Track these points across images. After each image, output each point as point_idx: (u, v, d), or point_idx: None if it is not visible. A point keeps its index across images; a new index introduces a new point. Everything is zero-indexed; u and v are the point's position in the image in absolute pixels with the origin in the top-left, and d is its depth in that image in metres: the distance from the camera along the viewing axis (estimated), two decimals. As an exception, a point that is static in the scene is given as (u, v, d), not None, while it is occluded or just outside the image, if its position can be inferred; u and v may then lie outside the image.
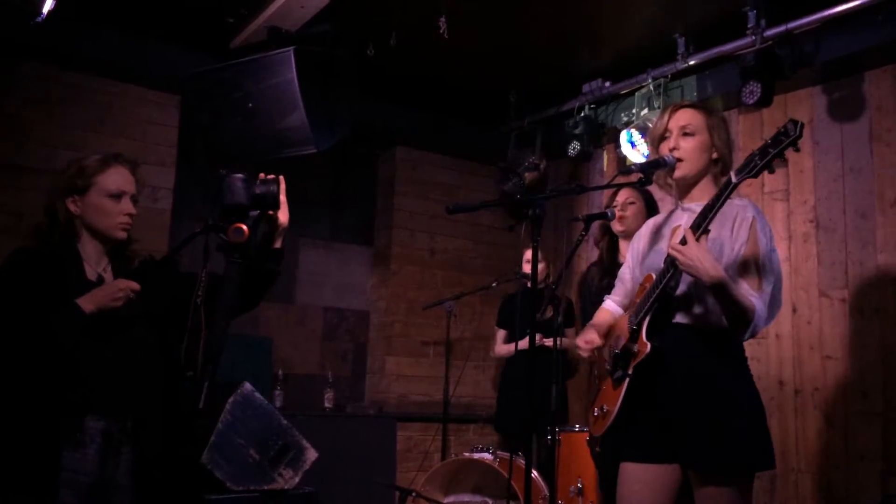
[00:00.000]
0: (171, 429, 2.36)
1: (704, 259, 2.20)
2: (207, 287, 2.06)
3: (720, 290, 2.23)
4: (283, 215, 2.28)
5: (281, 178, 2.17)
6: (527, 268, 4.76)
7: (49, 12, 3.65)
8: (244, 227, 1.91)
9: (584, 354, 2.57)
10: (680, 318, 2.37)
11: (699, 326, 2.35)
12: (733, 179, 2.21)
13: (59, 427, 2.23)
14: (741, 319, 2.26)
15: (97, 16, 4.36)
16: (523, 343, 4.62)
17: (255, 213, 2.00)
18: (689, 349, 2.34)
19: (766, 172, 2.23)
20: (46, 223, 2.40)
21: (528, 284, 4.66)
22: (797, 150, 2.14)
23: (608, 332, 2.57)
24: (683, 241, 2.24)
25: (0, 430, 2.25)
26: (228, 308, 1.87)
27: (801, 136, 2.10)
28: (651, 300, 2.35)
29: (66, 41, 4.38)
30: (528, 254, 4.78)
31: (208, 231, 1.98)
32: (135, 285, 2.28)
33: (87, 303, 2.23)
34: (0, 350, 2.26)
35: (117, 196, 2.40)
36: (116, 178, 2.41)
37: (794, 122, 2.11)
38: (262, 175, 2.13)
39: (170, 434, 2.36)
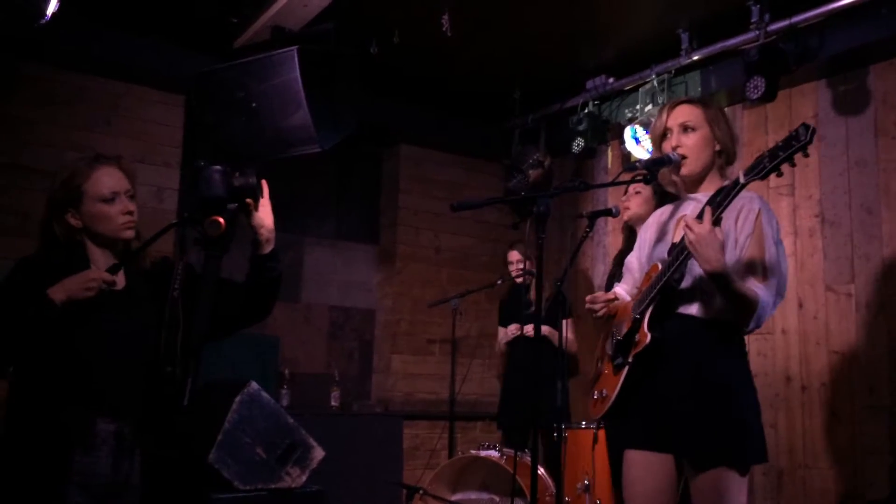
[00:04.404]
0: (160, 428, 2.31)
1: (711, 245, 2.19)
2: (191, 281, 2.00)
3: (720, 281, 2.24)
4: (267, 216, 2.18)
5: (263, 181, 2.08)
6: (510, 268, 5.03)
7: (53, 13, 3.66)
8: (220, 219, 1.83)
9: (598, 311, 2.56)
10: (683, 310, 2.39)
11: (701, 318, 2.37)
12: (741, 180, 2.21)
13: (70, 430, 2.19)
14: (745, 310, 2.27)
15: (101, 16, 4.37)
16: (522, 329, 4.71)
17: (233, 206, 1.92)
18: (690, 341, 2.36)
19: (771, 167, 2.22)
20: (43, 242, 2.34)
21: (518, 280, 4.87)
22: (806, 155, 2.13)
23: (615, 315, 2.59)
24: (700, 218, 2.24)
25: (9, 432, 2.23)
26: (207, 303, 1.79)
27: (811, 141, 2.09)
28: (655, 291, 2.37)
29: (70, 42, 4.39)
30: (511, 255, 5.06)
31: (185, 224, 1.91)
32: (108, 276, 2.20)
33: (57, 293, 2.15)
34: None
35: (111, 199, 2.33)
36: (105, 179, 2.33)
37: (806, 127, 2.10)
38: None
39: (160, 433, 2.30)
